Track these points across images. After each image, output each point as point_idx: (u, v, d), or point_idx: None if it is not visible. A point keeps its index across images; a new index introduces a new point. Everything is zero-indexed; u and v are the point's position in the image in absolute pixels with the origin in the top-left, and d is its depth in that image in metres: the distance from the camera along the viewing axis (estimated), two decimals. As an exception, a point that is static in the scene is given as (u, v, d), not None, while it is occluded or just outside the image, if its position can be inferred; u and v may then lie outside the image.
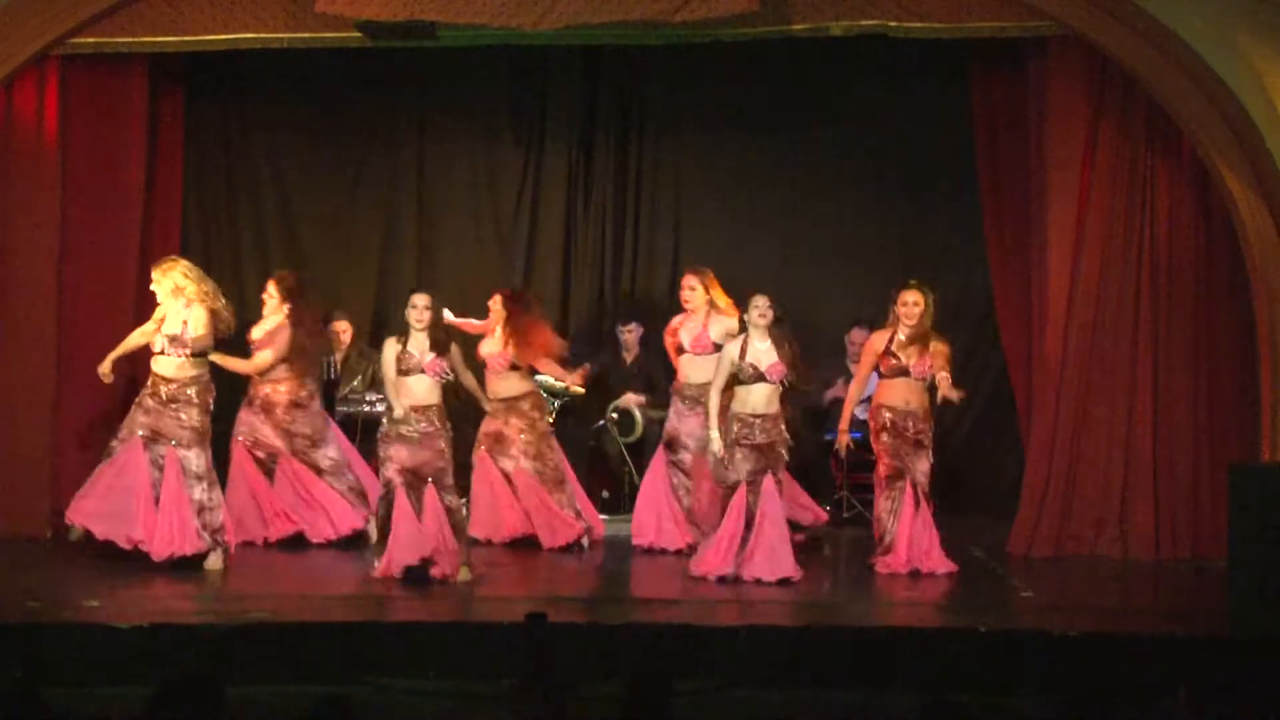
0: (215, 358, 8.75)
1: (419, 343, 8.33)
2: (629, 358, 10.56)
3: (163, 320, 8.59)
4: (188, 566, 8.35)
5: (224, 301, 8.70)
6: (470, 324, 9.75)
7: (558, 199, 11.29)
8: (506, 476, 9.35)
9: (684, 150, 11.31)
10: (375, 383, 10.03)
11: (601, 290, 11.31)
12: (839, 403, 9.73)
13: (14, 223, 9.50)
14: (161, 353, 8.53)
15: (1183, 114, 8.87)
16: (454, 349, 8.50)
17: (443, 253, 11.30)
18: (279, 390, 9.31)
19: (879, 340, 8.83)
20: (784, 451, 8.44)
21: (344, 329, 10.50)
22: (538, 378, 10.08)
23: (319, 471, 9.32)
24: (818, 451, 10.31)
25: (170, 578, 8.20)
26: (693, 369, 9.27)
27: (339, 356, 10.42)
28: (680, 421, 9.33)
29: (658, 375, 10.28)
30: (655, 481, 9.38)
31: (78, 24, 9.19)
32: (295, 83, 10.84)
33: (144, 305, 9.19)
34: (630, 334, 10.55)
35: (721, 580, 8.29)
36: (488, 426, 9.40)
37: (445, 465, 8.29)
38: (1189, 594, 8.58)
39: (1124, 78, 9.14)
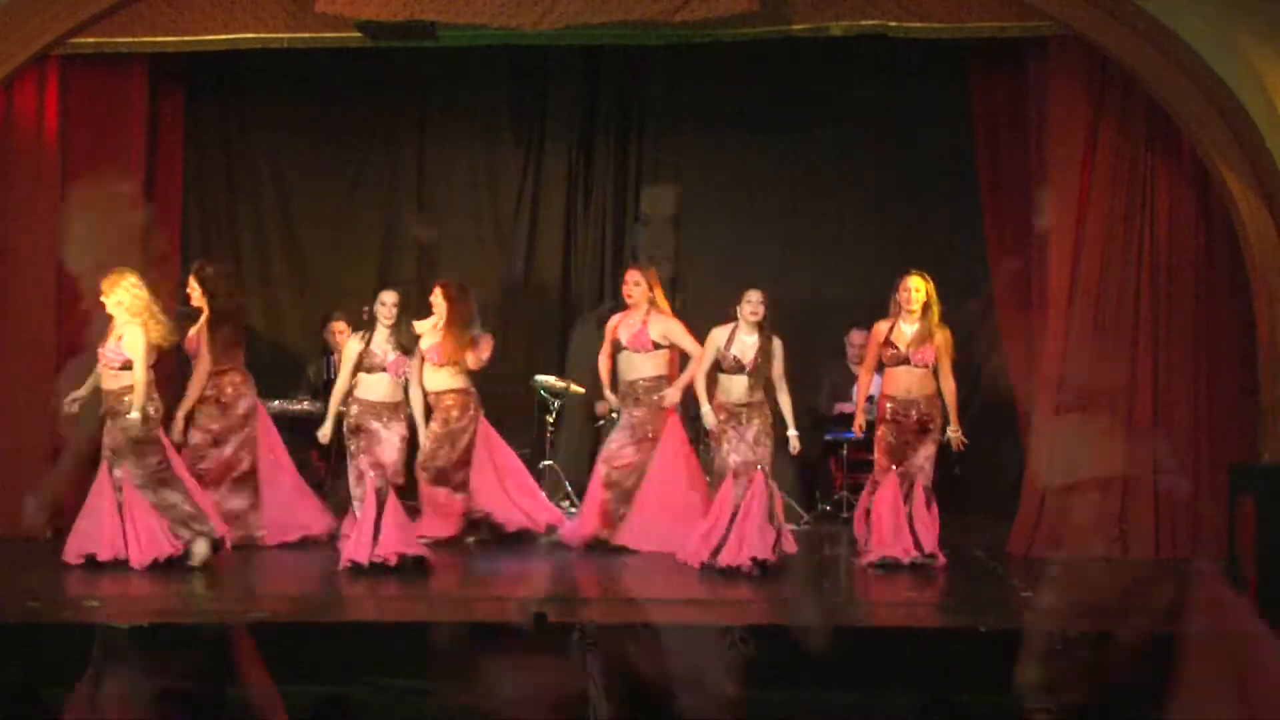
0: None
1: (383, 341, 8.33)
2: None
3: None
4: (176, 568, 8.35)
5: (163, 318, 8.52)
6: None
7: (558, 199, 11.29)
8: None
9: (684, 150, 11.31)
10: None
11: (601, 290, 11.31)
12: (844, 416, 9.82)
13: (14, 223, 9.51)
14: (107, 367, 8.48)
15: (1183, 114, 8.88)
16: (418, 357, 8.51)
17: (443, 253, 11.29)
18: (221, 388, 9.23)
19: (880, 329, 8.88)
20: (769, 442, 8.52)
21: (343, 329, 10.44)
22: (539, 378, 10.07)
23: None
24: (818, 451, 10.30)
25: (170, 578, 8.20)
26: (628, 366, 9.27)
27: (337, 357, 10.39)
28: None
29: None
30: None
31: (78, 24, 9.21)
32: (295, 83, 10.84)
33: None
34: (630, 334, 10.52)
35: (703, 567, 8.38)
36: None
37: (399, 462, 8.34)
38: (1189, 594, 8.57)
39: (1124, 78, 9.15)
